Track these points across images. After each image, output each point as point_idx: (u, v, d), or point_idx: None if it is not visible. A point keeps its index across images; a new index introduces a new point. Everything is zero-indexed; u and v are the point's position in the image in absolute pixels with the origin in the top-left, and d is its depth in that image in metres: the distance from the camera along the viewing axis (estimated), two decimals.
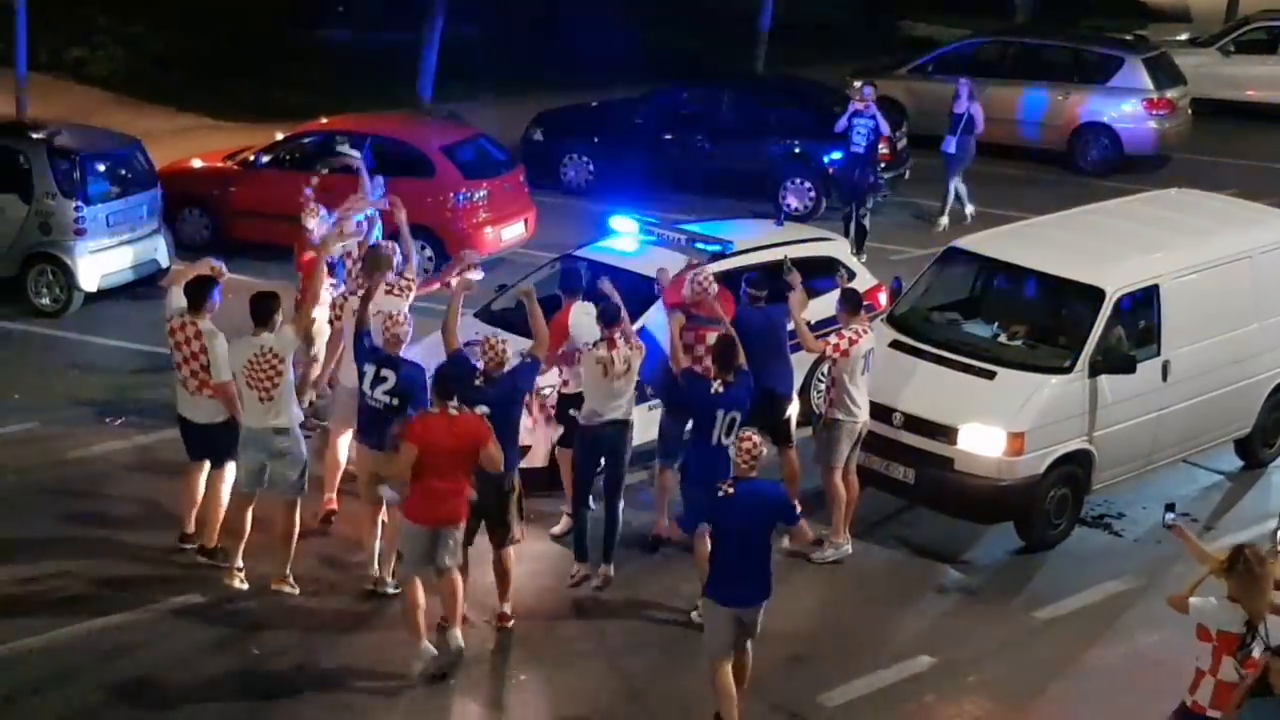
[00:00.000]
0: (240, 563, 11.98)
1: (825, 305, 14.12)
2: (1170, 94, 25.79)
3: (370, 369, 11.83)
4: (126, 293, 18.03)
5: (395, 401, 11.68)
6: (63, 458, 14.23)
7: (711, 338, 12.57)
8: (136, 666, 11.15)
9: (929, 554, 13.24)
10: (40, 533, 12.83)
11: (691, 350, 12.81)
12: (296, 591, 11.88)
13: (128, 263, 18.02)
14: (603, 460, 12.48)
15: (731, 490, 10.20)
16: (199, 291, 12.17)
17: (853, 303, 12.98)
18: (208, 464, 12.39)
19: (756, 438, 10.42)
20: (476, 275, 13.25)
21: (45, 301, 17.70)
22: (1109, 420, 13.25)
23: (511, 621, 11.78)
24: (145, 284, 18.11)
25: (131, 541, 12.67)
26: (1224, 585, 9.08)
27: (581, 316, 12.70)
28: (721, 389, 11.70)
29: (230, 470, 12.24)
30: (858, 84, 21.93)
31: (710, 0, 33.95)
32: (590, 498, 12.60)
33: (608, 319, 12.23)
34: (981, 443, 12.92)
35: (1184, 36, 32.32)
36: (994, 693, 11.50)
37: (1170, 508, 9.94)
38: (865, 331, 12.81)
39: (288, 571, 11.91)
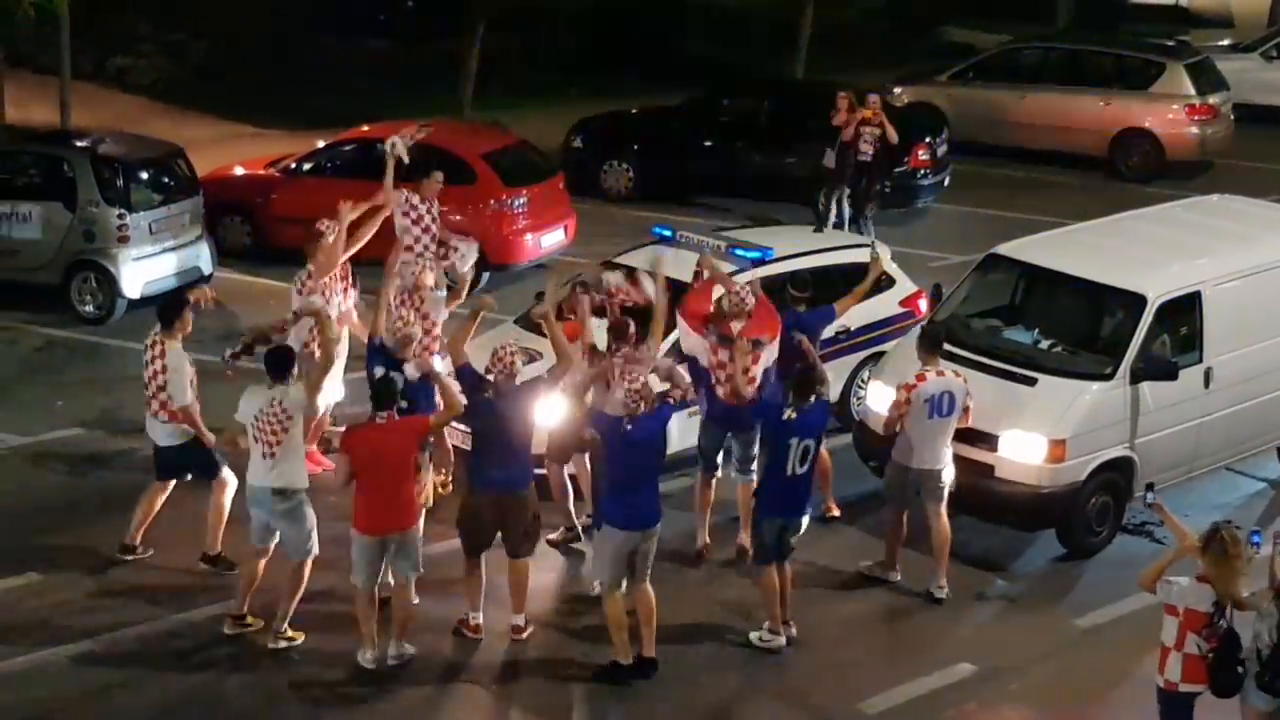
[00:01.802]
0: (245, 609, 11.61)
1: (865, 311, 14.15)
2: (1212, 99, 25.61)
3: (379, 370, 11.91)
4: None
5: (405, 404, 11.67)
6: (105, 464, 14.35)
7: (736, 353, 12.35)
8: (161, 675, 11.20)
9: (970, 561, 13.18)
10: (81, 539, 12.94)
11: (724, 368, 12.46)
12: (282, 645, 11.47)
13: (171, 270, 18.11)
14: None
15: (631, 425, 10.96)
16: (172, 310, 12.23)
17: (923, 343, 12.59)
18: (173, 484, 12.45)
19: (644, 379, 11.13)
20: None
21: (89, 309, 17.82)
22: (1151, 427, 13.19)
23: (525, 634, 11.70)
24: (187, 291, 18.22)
25: (168, 550, 12.70)
26: (1197, 565, 9.37)
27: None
28: (794, 416, 11.39)
29: (227, 479, 12.20)
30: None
31: (749, 7, 33.92)
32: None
33: (617, 335, 12.16)
34: (1023, 450, 12.88)
35: (1226, 42, 32.12)
36: (1036, 701, 11.48)
37: (1150, 487, 10.65)
38: (935, 375, 12.28)
39: (285, 627, 11.49)
